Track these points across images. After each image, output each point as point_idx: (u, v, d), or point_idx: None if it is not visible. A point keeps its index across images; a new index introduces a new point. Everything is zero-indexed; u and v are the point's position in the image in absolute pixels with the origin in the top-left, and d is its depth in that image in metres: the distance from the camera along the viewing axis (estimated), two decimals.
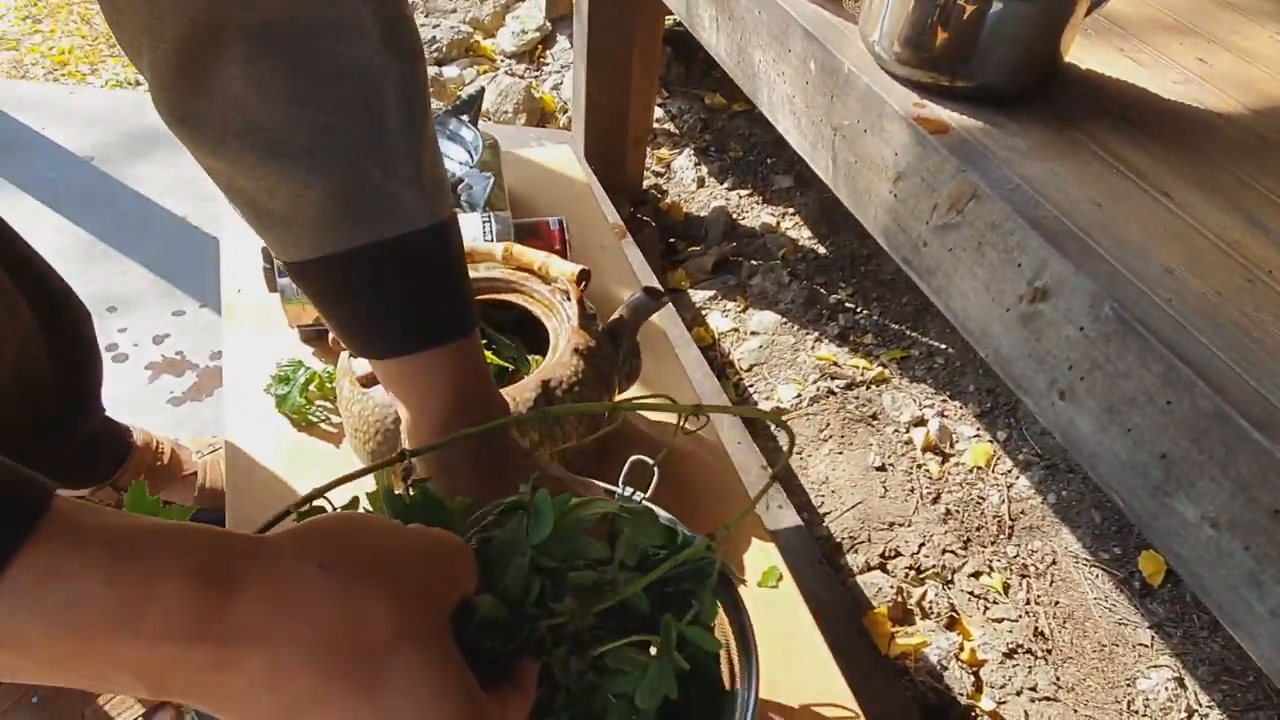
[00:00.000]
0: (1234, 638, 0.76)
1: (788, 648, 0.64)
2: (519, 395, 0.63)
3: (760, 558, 0.69)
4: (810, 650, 0.65)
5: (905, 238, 1.02)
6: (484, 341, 0.72)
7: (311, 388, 0.74)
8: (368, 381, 0.63)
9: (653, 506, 0.56)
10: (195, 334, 1.51)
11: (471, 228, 0.80)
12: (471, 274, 0.72)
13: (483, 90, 0.99)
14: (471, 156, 0.89)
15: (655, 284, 0.72)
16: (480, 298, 0.72)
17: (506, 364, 0.71)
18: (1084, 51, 1.12)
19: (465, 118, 0.92)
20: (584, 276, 0.69)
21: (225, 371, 0.79)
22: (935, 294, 1.00)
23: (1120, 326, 0.78)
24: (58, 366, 1.06)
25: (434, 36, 2.49)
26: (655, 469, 0.53)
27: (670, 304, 1.64)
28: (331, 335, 0.68)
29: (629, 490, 0.57)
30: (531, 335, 0.72)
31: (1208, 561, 0.75)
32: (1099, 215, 0.87)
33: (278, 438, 0.74)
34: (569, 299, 0.68)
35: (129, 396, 1.41)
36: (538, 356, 0.69)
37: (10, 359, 0.96)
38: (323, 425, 0.74)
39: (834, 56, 1.07)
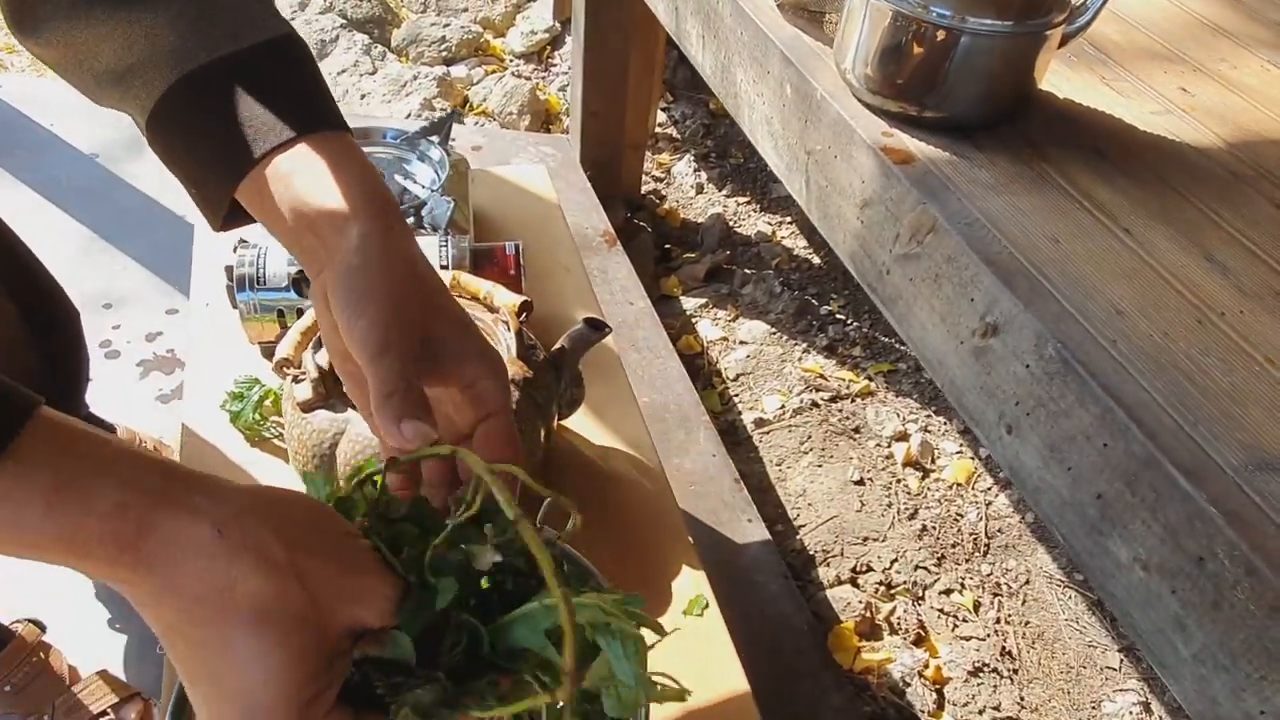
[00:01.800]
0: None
1: (707, 680, 0.66)
2: None
3: (689, 585, 0.70)
4: (728, 681, 0.66)
5: (870, 264, 1.03)
6: None
7: (266, 404, 0.77)
8: (308, 406, 0.66)
9: (569, 551, 0.58)
10: (188, 332, 1.54)
11: (429, 251, 0.81)
12: None
13: (455, 112, 1.01)
14: (438, 176, 0.91)
15: (596, 317, 0.74)
16: None
17: None
18: (1062, 79, 1.12)
19: (435, 139, 0.94)
20: (525, 308, 0.71)
21: (185, 385, 0.82)
22: (897, 322, 1.01)
23: (1062, 367, 0.79)
24: (43, 364, 1.10)
25: (444, 36, 2.51)
26: (574, 513, 0.55)
27: (654, 311, 1.65)
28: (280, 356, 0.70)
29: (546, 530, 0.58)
30: None
31: (1139, 603, 0.76)
32: (1054, 252, 0.88)
33: (231, 452, 0.76)
34: (509, 329, 0.70)
35: (119, 393, 1.44)
36: None
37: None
38: (275, 442, 0.77)
39: (808, 82, 1.08)
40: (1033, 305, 0.82)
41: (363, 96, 2.34)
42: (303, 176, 0.50)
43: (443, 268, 0.81)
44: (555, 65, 2.53)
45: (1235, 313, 0.83)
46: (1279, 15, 1.33)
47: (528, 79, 2.44)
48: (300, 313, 0.81)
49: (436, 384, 0.51)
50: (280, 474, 0.73)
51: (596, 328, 0.73)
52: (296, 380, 0.66)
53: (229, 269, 0.80)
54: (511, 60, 2.57)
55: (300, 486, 0.61)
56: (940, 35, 0.94)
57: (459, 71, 2.46)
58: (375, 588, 0.43)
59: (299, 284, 0.80)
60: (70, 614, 1.20)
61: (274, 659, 0.39)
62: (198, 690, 0.40)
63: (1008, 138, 1.02)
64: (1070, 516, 0.82)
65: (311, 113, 0.52)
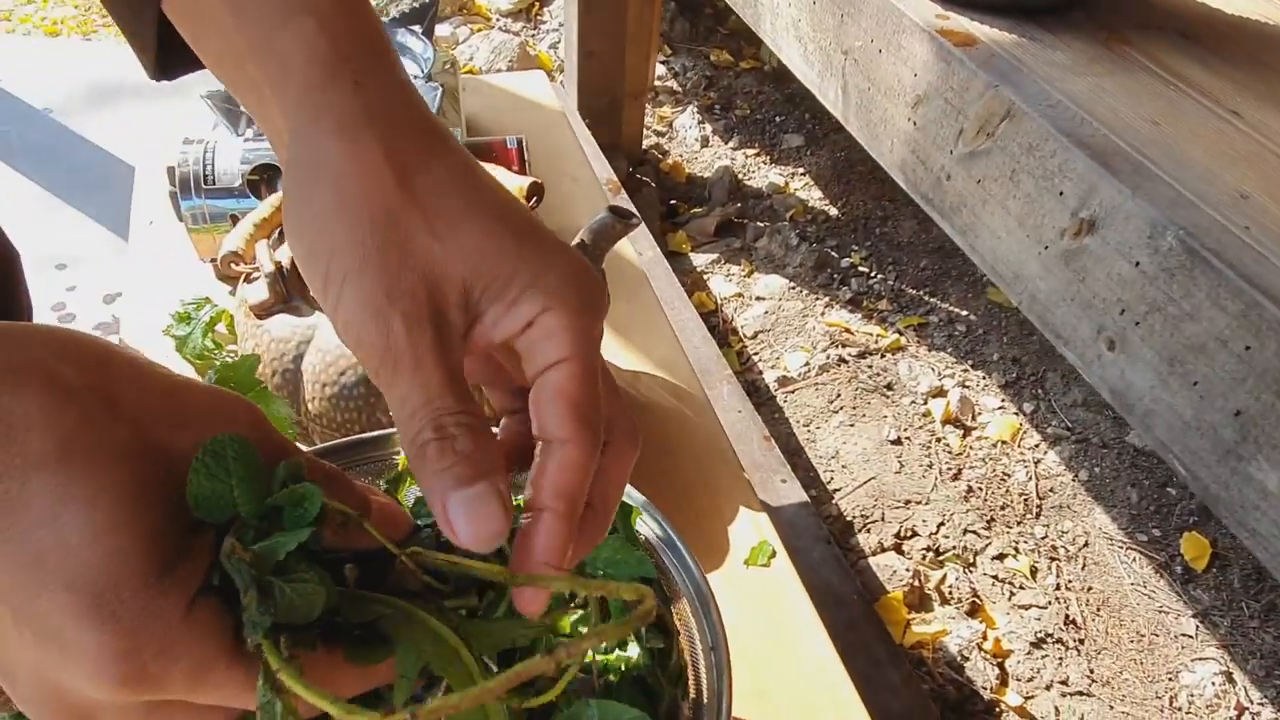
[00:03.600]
0: None
1: (779, 643, 0.52)
2: None
3: (749, 531, 0.57)
4: (809, 646, 0.53)
5: (925, 171, 0.90)
6: None
7: (219, 328, 0.63)
8: (265, 310, 0.51)
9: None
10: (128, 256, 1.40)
11: None
12: None
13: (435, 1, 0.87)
14: (421, 69, 0.77)
15: (621, 205, 0.60)
16: None
17: None
18: None
19: (417, 28, 0.80)
20: (535, 190, 0.57)
21: (123, 314, 0.67)
22: (960, 234, 0.87)
23: (1187, 259, 0.65)
24: None
25: None
26: None
27: (665, 260, 1.51)
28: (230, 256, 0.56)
29: None
30: None
31: None
32: (1156, 134, 0.74)
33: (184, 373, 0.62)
34: None
35: None
36: None
37: None
38: None
39: None
40: (1142, 190, 0.69)
41: None
42: None
43: None
44: (545, 22, 2.39)
45: None
46: None
47: (516, 35, 2.29)
48: None
49: (478, 346, 0.31)
50: None
51: (623, 217, 0.58)
52: (248, 279, 0.52)
53: (171, 170, 0.65)
54: (498, 18, 2.42)
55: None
56: None
57: (444, 30, 2.32)
58: (239, 419, 0.28)
59: (256, 185, 0.65)
60: None
61: (95, 503, 0.24)
62: None
63: (1078, 21, 0.88)
64: (1196, 441, 0.68)
65: None
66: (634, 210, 0.59)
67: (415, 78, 0.76)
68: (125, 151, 1.64)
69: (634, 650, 0.43)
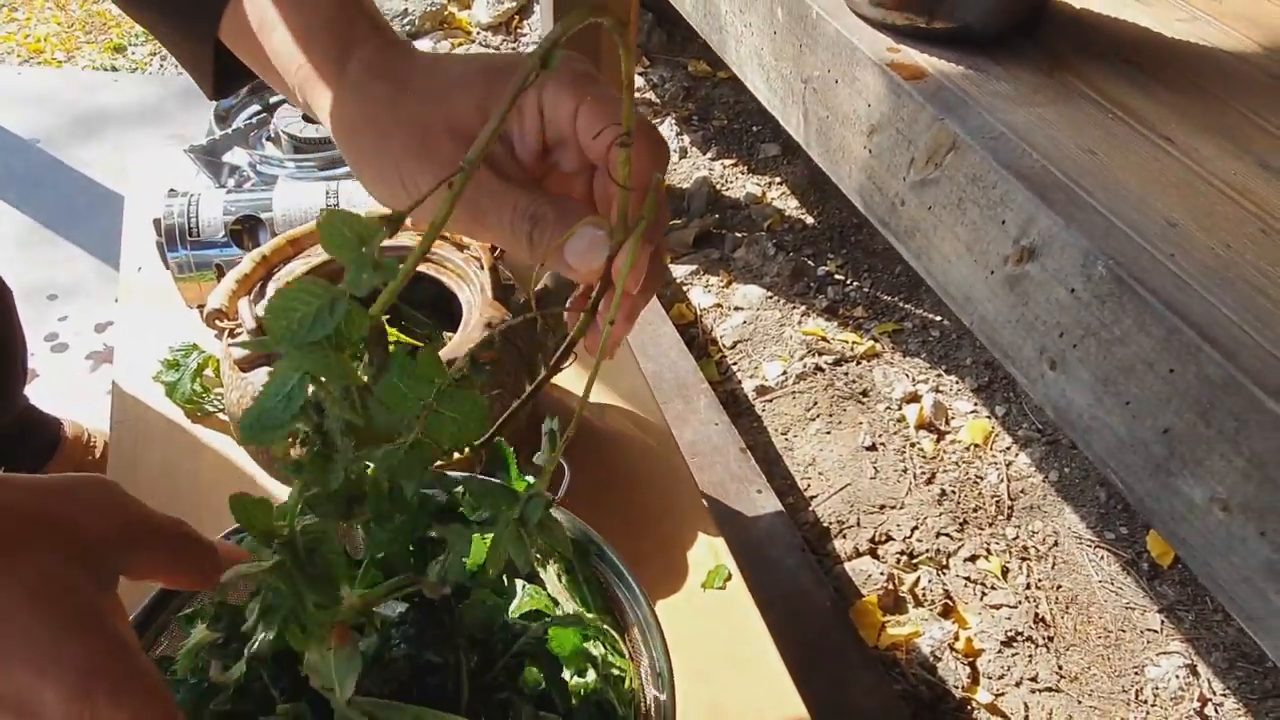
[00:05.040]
0: None
1: (735, 660, 0.56)
2: None
3: (706, 555, 0.61)
4: (762, 662, 0.56)
5: (882, 197, 0.94)
6: (396, 319, 0.64)
7: (207, 373, 0.66)
8: (248, 364, 0.55)
9: (562, 515, 0.48)
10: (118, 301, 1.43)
11: None
12: (385, 243, 0.64)
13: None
14: None
15: None
16: None
17: (419, 342, 0.63)
18: None
19: None
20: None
21: (115, 358, 0.71)
22: (915, 257, 0.92)
23: (1115, 286, 0.69)
24: None
25: (406, 9, 2.40)
26: (566, 471, 0.45)
27: None
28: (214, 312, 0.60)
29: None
30: (446, 312, 0.63)
31: (1218, 549, 0.67)
32: (1092, 164, 0.78)
33: (170, 430, 0.66)
34: (481, 267, 0.60)
35: (69, 387, 1.33)
36: (452, 334, 0.61)
37: None
38: (219, 415, 0.66)
39: (802, 1, 0.98)
40: (1075, 221, 0.73)
41: None
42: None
43: None
44: (525, 35, 2.42)
45: None
46: None
47: (496, 49, 2.33)
48: None
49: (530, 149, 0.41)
50: (231, 451, 0.62)
51: None
52: (233, 334, 0.56)
53: (157, 222, 0.69)
54: (478, 32, 2.46)
55: (250, 464, 0.51)
56: None
57: (423, 45, 2.35)
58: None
59: (239, 235, 0.69)
60: None
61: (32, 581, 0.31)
62: None
63: (1024, 49, 0.92)
64: (1129, 457, 0.72)
65: None
66: None
67: None
68: (112, 181, 1.67)
69: (592, 676, 0.47)
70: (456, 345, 0.57)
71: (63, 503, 0.35)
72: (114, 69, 2.21)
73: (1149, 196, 0.76)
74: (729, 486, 1.24)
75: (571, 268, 0.38)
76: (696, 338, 1.68)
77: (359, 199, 0.70)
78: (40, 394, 1.11)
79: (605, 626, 0.45)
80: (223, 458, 0.64)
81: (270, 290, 0.60)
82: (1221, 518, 0.66)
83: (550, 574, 0.49)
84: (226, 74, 0.47)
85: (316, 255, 0.62)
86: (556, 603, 0.48)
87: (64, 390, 1.32)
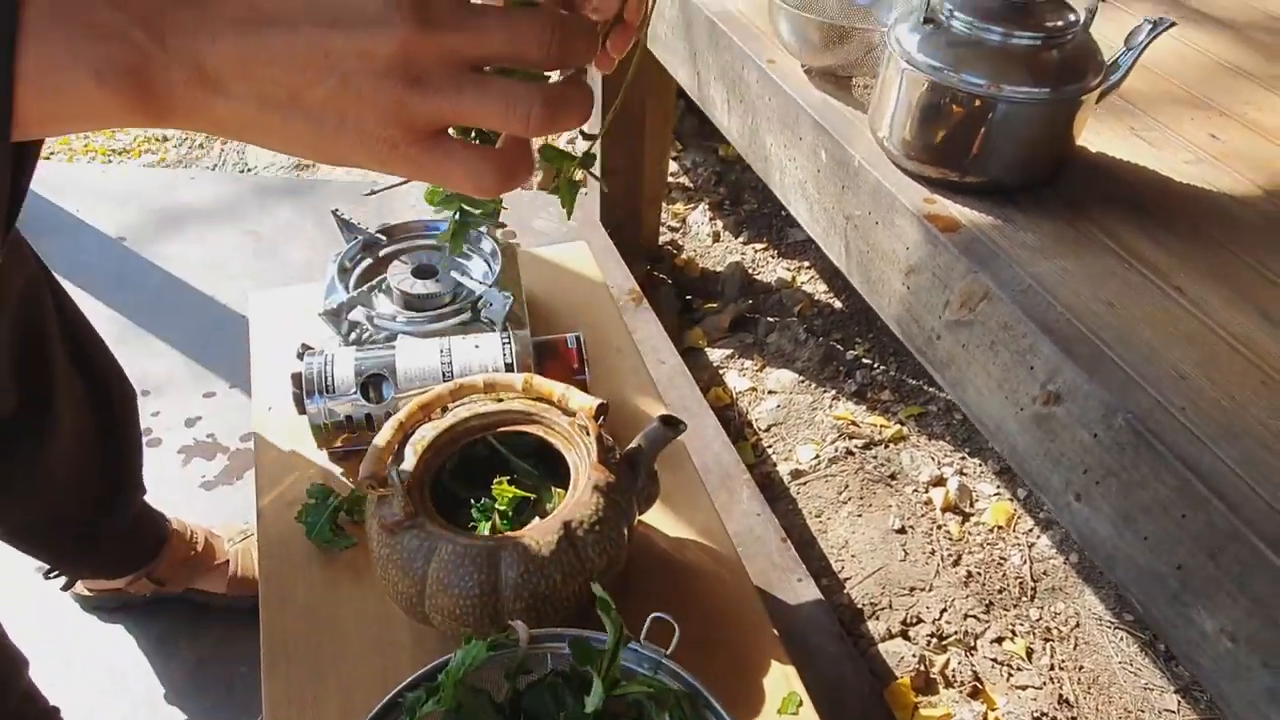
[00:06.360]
0: None
1: None
2: (541, 538, 0.64)
3: (780, 682, 0.70)
4: None
5: (919, 329, 1.04)
6: (507, 476, 0.74)
7: (340, 515, 0.77)
8: (397, 527, 0.65)
9: (678, 671, 0.58)
10: (226, 415, 1.55)
11: (492, 349, 0.82)
12: (494, 406, 0.74)
13: (499, 201, 1.02)
14: (491, 269, 0.91)
15: (671, 414, 0.74)
16: (502, 430, 0.74)
17: (529, 494, 0.73)
18: (1093, 132, 1.13)
19: (484, 229, 0.94)
20: (602, 410, 0.71)
21: (257, 493, 0.81)
22: (950, 386, 1.01)
23: (1133, 437, 0.79)
24: (104, 447, 1.09)
25: None
26: (676, 627, 0.55)
27: (685, 368, 1.66)
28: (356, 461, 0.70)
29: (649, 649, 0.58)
30: (549, 461, 0.74)
31: (1227, 674, 0.76)
32: (1111, 316, 0.88)
33: (310, 565, 0.76)
34: (588, 434, 0.70)
35: (162, 482, 1.44)
36: (560, 490, 0.71)
37: (65, 439, 0.99)
38: (347, 553, 0.76)
39: (844, 149, 1.09)
40: (1097, 375, 0.82)
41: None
42: None
43: (507, 366, 0.81)
44: (594, 154, 2.55)
45: None
46: None
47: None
48: (369, 418, 0.81)
49: None
50: (365, 568, 0.72)
51: (671, 425, 0.73)
52: (381, 499, 0.66)
53: (296, 376, 0.80)
54: None
55: (385, 612, 0.60)
56: (977, 103, 0.95)
57: None
58: None
59: (365, 388, 0.80)
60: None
61: None
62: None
63: (1048, 199, 1.02)
64: (1149, 585, 0.81)
65: None
66: (680, 419, 0.73)
67: (485, 279, 0.91)
68: (195, 276, 1.80)
69: None
70: (570, 509, 0.66)
71: None
72: (165, 163, 2.34)
73: (1162, 348, 0.85)
74: (771, 575, 1.33)
75: (597, 9, 0.45)
76: (733, 420, 1.78)
77: (468, 359, 0.81)
78: None
79: None
80: (358, 593, 0.74)
81: (408, 453, 0.70)
82: (1230, 647, 0.75)
83: None
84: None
85: (445, 420, 0.73)
86: None
87: (159, 484, 1.42)
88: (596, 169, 1.85)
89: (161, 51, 0.30)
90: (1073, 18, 0.95)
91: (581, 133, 0.50)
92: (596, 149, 0.56)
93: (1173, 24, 0.98)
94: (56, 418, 0.97)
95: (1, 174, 0.31)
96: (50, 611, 1.09)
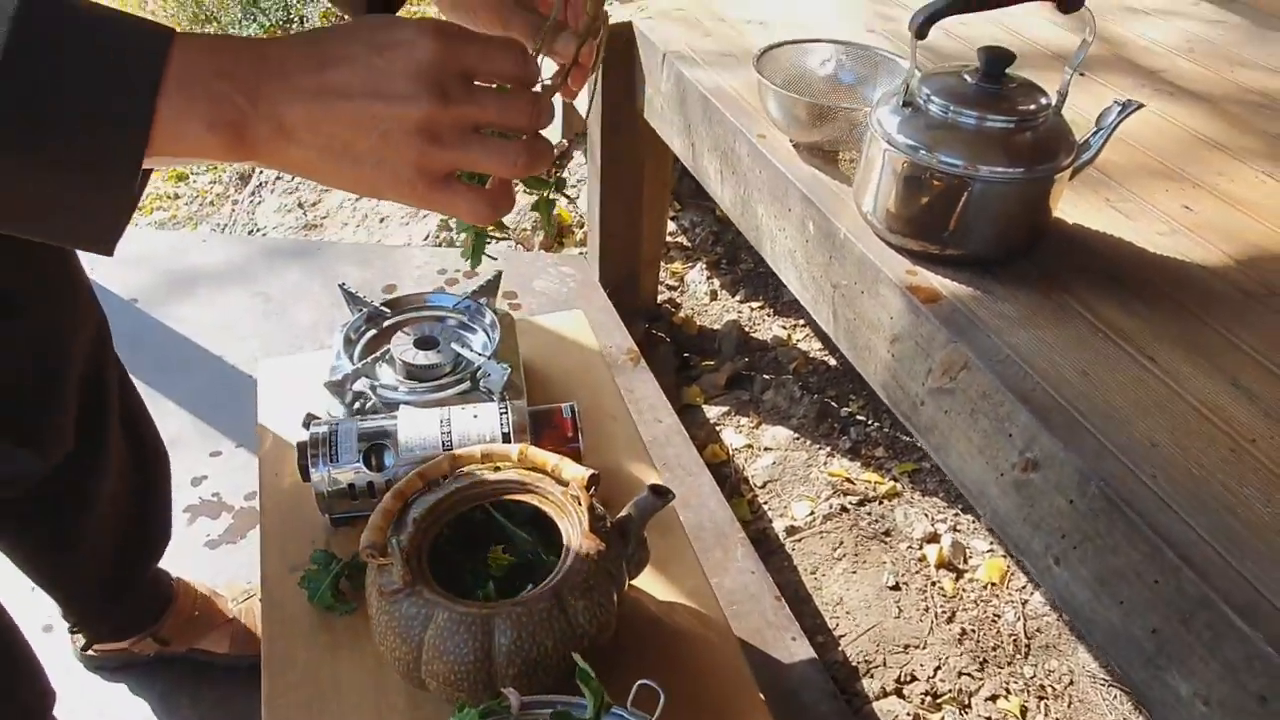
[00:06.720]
0: None
1: None
2: (534, 605, 0.67)
3: None
4: None
5: (903, 395, 1.07)
6: (503, 545, 0.77)
7: (342, 581, 0.79)
8: (395, 593, 0.68)
9: None
10: (231, 475, 1.58)
11: (490, 418, 0.85)
12: (491, 476, 0.78)
13: (499, 274, 1.06)
14: (490, 340, 0.95)
15: (660, 484, 0.77)
16: (498, 498, 0.77)
17: (524, 560, 0.76)
18: (1069, 204, 1.17)
19: (485, 300, 0.99)
20: (593, 481, 0.74)
21: (261, 557, 0.85)
22: (934, 451, 1.04)
23: (1107, 504, 0.82)
24: (142, 504, 1.13)
25: None
26: (661, 694, 0.57)
27: (681, 428, 1.69)
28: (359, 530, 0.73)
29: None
30: (543, 529, 0.77)
31: None
32: (1085, 386, 0.91)
33: (314, 630, 0.79)
34: (580, 503, 0.73)
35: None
36: (553, 557, 0.74)
37: (109, 491, 1.03)
38: (346, 618, 0.79)
39: (830, 221, 1.13)
40: (1072, 443, 0.86)
41: (381, 219, 2.42)
42: None
43: (504, 435, 0.84)
44: (564, 178, 2.62)
45: (1266, 439, 0.87)
46: (1266, 124, 1.40)
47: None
48: (371, 485, 0.84)
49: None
50: (366, 635, 0.75)
51: (660, 494, 0.76)
52: (381, 567, 0.69)
53: (302, 445, 0.83)
54: None
55: (383, 676, 0.63)
56: (954, 182, 0.99)
57: None
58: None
59: (368, 456, 0.83)
60: None
61: (421, 27, 0.45)
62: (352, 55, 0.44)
63: (1025, 270, 1.06)
64: (1126, 648, 0.84)
65: None
66: (669, 489, 0.76)
67: (484, 350, 0.95)
68: (205, 338, 1.84)
69: None
70: (562, 577, 0.69)
71: None
72: (177, 223, 2.40)
73: (1134, 417, 0.89)
74: (765, 634, 1.35)
75: (557, 52, 0.61)
76: (729, 477, 1.80)
77: (467, 428, 0.84)
78: None
79: None
80: (358, 657, 0.77)
81: (408, 520, 0.73)
82: (1204, 710, 0.77)
83: None
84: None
85: (444, 488, 0.76)
86: None
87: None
88: (595, 230, 1.91)
89: (254, 111, 0.43)
90: (1044, 101, 1.00)
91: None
92: (565, 174, 0.73)
93: (1140, 106, 1.03)
94: (105, 467, 1.02)
95: (135, 187, 0.42)
96: (54, 670, 1.11)
